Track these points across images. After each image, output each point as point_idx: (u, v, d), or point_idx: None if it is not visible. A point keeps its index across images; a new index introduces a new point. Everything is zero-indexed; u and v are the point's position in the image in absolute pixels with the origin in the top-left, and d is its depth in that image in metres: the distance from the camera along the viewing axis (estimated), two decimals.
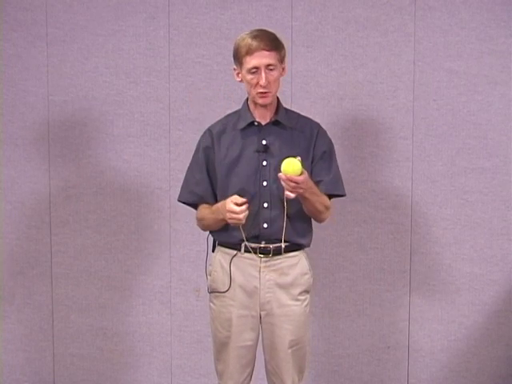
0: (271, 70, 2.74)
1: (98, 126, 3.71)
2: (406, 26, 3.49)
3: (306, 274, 2.89)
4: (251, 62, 2.72)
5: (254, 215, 2.78)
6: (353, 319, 3.65)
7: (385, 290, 3.62)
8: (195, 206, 2.93)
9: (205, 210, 2.87)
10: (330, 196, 2.88)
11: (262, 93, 2.75)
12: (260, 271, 2.83)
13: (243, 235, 2.78)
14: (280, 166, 2.64)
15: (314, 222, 2.92)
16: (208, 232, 2.95)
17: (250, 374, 2.94)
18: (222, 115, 2.94)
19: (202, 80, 3.63)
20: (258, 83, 2.73)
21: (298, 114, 2.92)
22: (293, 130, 2.85)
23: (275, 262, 2.83)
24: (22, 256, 3.80)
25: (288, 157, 2.65)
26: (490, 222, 3.52)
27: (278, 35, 2.81)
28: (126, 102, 3.68)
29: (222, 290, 2.86)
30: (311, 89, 3.57)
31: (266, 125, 2.83)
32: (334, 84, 3.55)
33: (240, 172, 2.79)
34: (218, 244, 2.91)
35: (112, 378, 3.82)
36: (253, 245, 2.81)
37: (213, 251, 2.94)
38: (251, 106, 2.84)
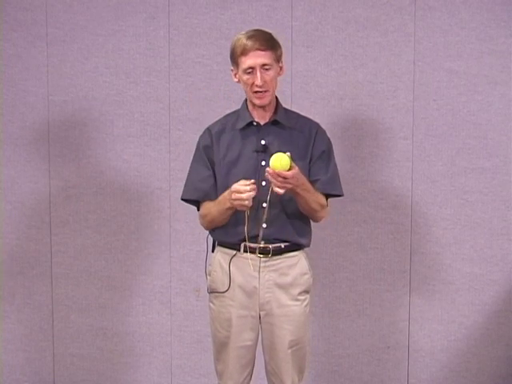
0: (267, 69, 2.73)
1: (98, 126, 3.71)
2: (406, 26, 3.49)
3: (305, 274, 2.89)
4: (246, 62, 2.72)
5: (253, 215, 2.78)
6: (353, 319, 3.65)
7: (385, 290, 3.62)
8: (198, 205, 2.91)
9: (208, 204, 2.84)
10: (327, 196, 2.88)
11: (258, 92, 2.74)
12: (259, 271, 2.83)
13: (245, 231, 2.76)
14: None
15: (313, 222, 2.92)
16: (208, 232, 2.95)
17: (250, 374, 2.94)
18: (222, 115, 2.94)
19: (202, 80, 3.63)
20: (253, 83, 2.73)
21: (297, 114, 2.92)
22: (292, 130, 2.85)
23: (274, 262, 2.83)
24: (22, 256, 3.80)
25: (277, 152, 2.64)
26: (490, 222, 3.52)
27: (276, 35, 2.81)
28: (125, 101, 3.68)
29: (222, 290, 2.85)
30: (311, 89, 3.57)
31: (264, 125, 2.83)
32: (334, 84, 3.55)
33: (239, 172, 2.78)
34: (218, 244, 2.91)
35: (112, 378, 3.82)
36: (252, 245, 2.81)
37: (212, 251, 2.94)
38: (250, 106, 2.84)
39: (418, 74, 3.50)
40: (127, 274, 3.76)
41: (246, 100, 2.87)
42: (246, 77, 2.75)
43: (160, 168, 3.69)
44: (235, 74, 2.80)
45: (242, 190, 2.66)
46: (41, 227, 3.78)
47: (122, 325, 3.79)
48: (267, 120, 2.83)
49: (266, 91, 2.75)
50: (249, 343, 2.87)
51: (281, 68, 2.82)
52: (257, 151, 2.80)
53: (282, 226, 2.81)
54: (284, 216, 2.82)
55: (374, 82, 3.53)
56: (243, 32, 2.78)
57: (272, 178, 2.62)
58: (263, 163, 2.78)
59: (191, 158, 2.93)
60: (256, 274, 2.82)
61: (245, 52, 2.72)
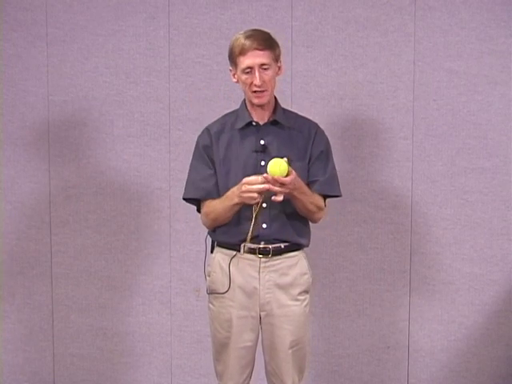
0: (265, 69, 2.73)
1: (98, 126, 3.71)
2: (406, 26, 3.49)
3: (305, 274, 2.89)
4: (245, 61, 2.72)
5: (252, 218, 2.78)
6: (353, 319, 3.65)
7: (385, 290, 3.62)
8: (199, 205, 2.91)
9: (212, 201, 2.83)
10: (325, 196, 2.88)
11: (256, 92, 2.74)
12: (259, 272, 2.82)
13: (251, 228, 2.76)
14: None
15: (311, 222, 2.92)
16: (206, 233, 2.95)
17: (250, 375, 2.94)
18: (221, 115, 2.94)
19: (202, 80, 3.63)
20: (252, 83, 2.73)
21: (296, 114, 2.92)
22: (291, 130, 2.84)
23: (274, 262, 2.83)
24: (22, 256, 3.80)
25: (274, 157, 2.64)
26: (490, 222, 3.52)
27: (275, 34, 2.80)
28: (125, 101, 3.68)
29: (222, 291, 2.85)
30: (311, 89, 3.57)
31: (264, 125, 2.83)
32: (334, 84, 3.55)
33: (238, 172, 2.78)
34: (217, 245, 2.90)
35: (112, 378, 3.82)
36: (252, 245, 2.81)
37: (211, 252, 2.94)
38: (249, 106, 2.84)
39: (418, 73, 3.50)
40: (127, 274, 3.76)
41: (244, 100, 2.87)
42: (244, 76, 2.75)
43: (160, 168, 3.69)
44: (234, 74, 2.80)
45: (254, 181, 2.65)
46: (41, 227, 3.78)
47: (121, 325, 3.79)
48: (266, 120, 2.83)
49: (264, 91, 2.75)
50: (249, 344, 2.87)
51: (279, 68, 2.82)
52: (256, 151, 2.80)
53: (282, 226, 2.81)
54: (284, 216, 2.81)
55: (374, 82, 3.53)
56: (241, 32, 2.78)
57: (270, 185, 2.62)
58: (262, 163, 2.77)
59: (191, 157, 2.93)
60: (256, 275, 2.82)
61: (243, 52, 2.72)
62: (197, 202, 2.91)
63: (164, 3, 3.62)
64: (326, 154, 2.88)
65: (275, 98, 2.86)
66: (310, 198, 2.78)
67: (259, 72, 2.72)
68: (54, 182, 3.75)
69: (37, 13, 3.69)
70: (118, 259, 3.76)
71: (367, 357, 3.67)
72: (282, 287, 2.83)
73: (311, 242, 2.94)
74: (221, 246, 2.88)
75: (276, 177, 2.60)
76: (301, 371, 2.92)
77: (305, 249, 2.92)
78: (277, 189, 2.62)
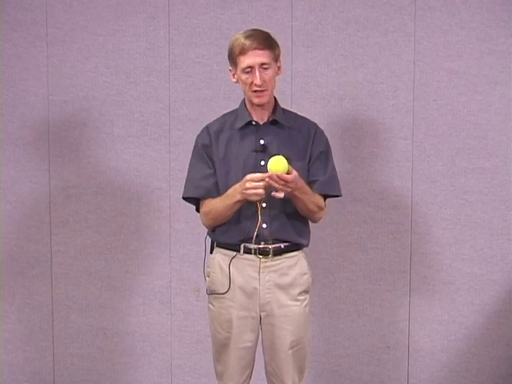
0: (265, 68, 2.73)
1: (98, 126, 3.71)
2: (406, 26, 3.49)
3: (305, 274, 2.89)
4: (245, 61, 2.72)
5: (252, 215, 2.78)
6: (353, 319, 3.65)
7: (385, 290, 3.62)
8: (198, 204, 2.90)
9: (212, 201, 2.82)
10: (326, 196, 2.88)
11: (257, 91, 2.74)
12: (259, 272, 2.82)
13: (258, 221, 2.75)
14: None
15: (311, 222, 2.92)
16: (206, 233, 2.95)
17: (250, 376, 2.94)
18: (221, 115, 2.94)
19: (202, 80, 3.63)
20: (252, 82, 2.73)
21: (296, 114, 2.92)
22: (290, 130, 2.84)
23: (274, 262, 2.82)
24: (22, 256, 3.80)
25: (274, 155, 2.64)
26: (490, 222, 3.52)
27: (275, 34, 2.81)
28: (125, 101, 3.68)
29: (222, 292, 2.85)
30: (311, 89, 3.57)
31: (263, 124, 2.83)
32: (334, 84, 3.55)
33: (238, 171, 2.78)
34: (217, 245, 2.90)
35: (112, 378, 3.82)
36: (252, 246, 2.81)
37: (211, 253, 2.93)
38: (248, 106, 2.84)
39: (418, 73, 3.50)
40: (127, 273, 3.76)
41: (244, 100, 2.87)
42: (244, 76, 2.75)
43: (160, 168, 3.69)
44: (233, 74, 2.80)
45: (259, 178, 2.64)
46: (41, 227, 3.78)
47: (122, 325, 3.79)
48: (266, 120, 2.83)
49: (264, 90, 2.75)
50: (249, 344, 2.87)
51: (279, 67, 2.82)
52: (256, 151, 2.80)
53: (282, 226, 2.81)
54: (284, 216, 2.81)
55: (374, 82, 3.53)
56: (241, 32, 2.78)
57: (273, 182, 2.62)
58: (262, 163, 2.77)
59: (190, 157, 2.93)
60: (256, 275, 2.82)
61: (243, 51, 2.72)
62: (196, 202, 2.91)
63: (164, 3, 3.62)
64: (326, 153, 2.88)
65: (275, 97, 2.86)
66: (311, 198, 2.78)
67: (259, 71, 2.72)
68: (53, 181, 3.75)
69: (37, 13, 3.68)
70: (118, 259, 3.76)
71: (367, 357, 3.67)
72: (282, 287, 2.83)
73: (311, 242, 2.94)
74: (220, 246, 2.88)
75: (279, 174, 2.60)
76: (301, 371, 2.92)
77: (304, 249, 2.92)
78: (280, 187, 2.62)
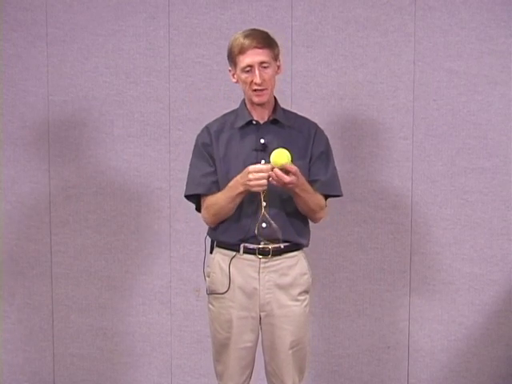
0: (265, 67, 2.73)
1: (98, 126, 3.71)
2: (406, 26, 3.49)
3: (305, 274, 2.89)
4: (244, 60, 2.72)
5: (252, 214, 2.78)
6: (353, 319, 3.65)
7: (385, 290, 3.62)
8: (198, 203, 2.90)
9: (213, 196, 2.81)
10: (327, 196, 2.88)
11: (257, 90, 2.74)
12: (259, 272, 2.82)
13: (262, 212, 2.74)
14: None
15: (311, 222, 2.92)
16: (206, 233, 2.95)
17: (250, 376, 2.94)
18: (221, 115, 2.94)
19: (202, 80, 3.63)
20: (252, 81, 2.73)
21: (295, 114, 2.92)
22: (291, 129, 2.85)
23: (274, 262, 2.82)
24: (22, 256, 3.80)
25: (276, 148, 2.64)
26: (490, 222, 3.52)
27: (274, 34, 2.81)
28: (125, 101, 3.68)
29: (221, 292, 2.85)
30: (311, 89, 3.57)
31: (264, 123, 2.83)
32: (334, 84, 3.55)
33: (238, 170, 2.77)
34: (217, 245, 2.90)
35: (112, 378, 3.82)
36: (251, 246, 2.81)
37: (211, 253, 2.93)
38: (248, 105, 2.84)
39: (418, 73, 3.50)
40: (127, 274, 3.76)
41: (244, 99, 2.87)
42: (244, 75, 2.75)
43: (160, 168, 3.69)
44: (233, 74, 2.80)
45: (263, 169, 2.64)
46: (41, 227, 3.78)
47: (122, 325, 3.79)
48: (266, 119, 2.83)
49: (264, 89, 2.75)
50: (249, 345, 2.87)
51: (278, 67, 2.82)
52: (256, 150, 2.80)
53: (282, 225, 2.81)
54: (284, 216, 2.81)
55: (374, 82, 3.53)
56: (240, 32, 2.78)
57: (277, 178, 2.62)
58: (262, 162, 2.77)
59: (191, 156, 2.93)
60: (256, 275, 2.82)
61: (243, 51, 2.72)
62: (197, 201, 2.90)
63: (164, 3, 3.62)
64: (327, 153, 2.88)
65: (275, 97, 2.86)
66: (313, 197, 2.78)
67: (259, 70, 2.72)
68: (53, 181, 3.75)
69: (37, 13, 3.69)
70: (118, 259, 3.76)
71: (367, 357, 3.67)
72: (282, 287, 2.83)
73: (311, 242, 2.94)
74: (220, 246, 2.88)
75: (283, 163, 2.60)
76: (301, 371, 2.92)
77: (304, 249, 2.92)
78: (286, 177, 2.61)
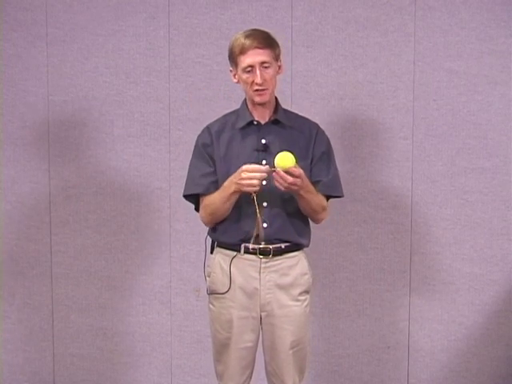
0: (266, 67, 2.73)
1: (98, 126, 3.71)
2: (406, 26, 3.49)
3: (305, 274, 2.89)
4: (245, 60, 2.72)
5: (253, 214, 2.78)
6: (353, 319, 3.65)
7: (385, 290, 3.62)
8: (197, 203, 2.90)
9: (210, 196, 2.81)
10: (328, 197, 2.88)
11: (258, 90, 2.74)
12: (260, 272, 2.82)
13: (258, 220, 2.75)
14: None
15: (311, 222, 2.92)
16: (206, 233, 2.95)
17: (250, 376, 2.94)
18: (222, 115, 2.94)
19: (202, 80, 3.63)
20: (253, 81, 2.73)
21: (296, 114, 2.92)
22: (292, 130, 2.84)
23: (275, 262, 2.82)
24: (22, 256, 3.80)
25: (280, 151, 2.64)
26: (490, 222, 3.52)
27: (275, 34, 2.81)
28: (125, 101, 3.68)
29: (222, 292, 2.85)
30: (311, 89, 3.57)
31: (265, 124, 2.83)
32: (334, 84, 3.55)
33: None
34: (217, 245, 2.90)
35: (112, 378, 3.82)
36: (252, 246, 2.80)
37: (211, 252, 2.94)
38: (250, 106, 2.84)
39: (418, 73, 3.50)
40: (127, 274, 3.76)
41: (245, 100, 2.87)
42: (245, 76, 2.75)
43: (160, 168, 3.69)
44: (234, 75, 2.80)
45: (256, 169, 2.64)
46: (41, 227, 3.78)
47: (122, 325, 3.79)
48: (267, 119, 2.83)
49: (265, 89, 2.75)
50: (249, 344, 2.87)
51: (279, 67, 2.82)
52: (257, 150, 2.80)
53: (283, 226, 2.81)
54: (284, 216, 2.81)
55: (374, 82, 3.53)
56: (241, 32, 2.78)
57: (280, 178, 2.61)
58: (264, 162, 2.77)
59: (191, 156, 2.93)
60: (256, 275, 2.82)
61: (243, 51, 2.72)
62: (195, 201, 2.90)
63: (164, 3, 3.62)
64: (328, 154, 2.88)
65: (276, 97, 2.86)
66: (316, 198, 2.78)
67: (260, 70, 2.72)
68: (53, 181, 3.75)
69: (37, 13, 3.68)
70: (118, 259, 3.76)
71: (367, 357, 3.67)
72: (283, 287, 2.83)
73: (311, 242, 2.94)
74: (221, 246, 2.88)
75: (287, 167, 2.59)
76: (301, 371, 2.92)
77: (305, 249, 2.92)
78: (289, 178, 2.61)
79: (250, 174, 2.65)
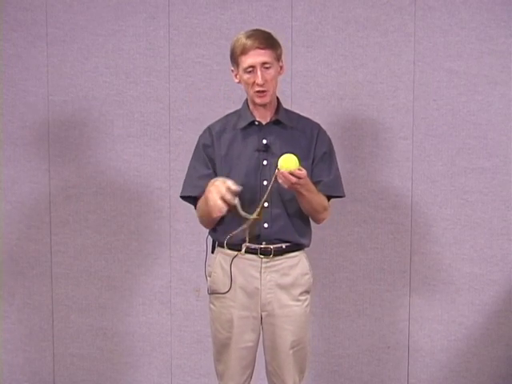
0: (267, 68, 2.73)
1: (98, 126, 3.71)
2: (406, 26, 3.49)
3: (306, 274, 2.89)
4: (247, 61, 2.72)
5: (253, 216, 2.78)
6: (353, 319, 3.65)
7: (385, 290, 3.62)
8: (196, 203, 2.91)
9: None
10: (330, 197, 2.88)
11: (259, 91, 2.74)
12: (261, 272, 2.82)
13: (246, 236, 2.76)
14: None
15: (312, 222, 2.92)
16: (207, 233, 2.95)
17: (250, 375, 2.94)
18: (222, 115, 2.94)
19: (202, 80, 3.63)
20: (254, 82, 2.73)
21: (298, 114, 2.92)
22: (293, 130, 2.84)
23: (276, 262, 2.82)
24: (22, 256, 3.80)
25: (284, 153, 2.64)
26: (490, 222, 3.52)
27: (276, 34, 2.81)
28: (125, 101, 3.68)
29: (223, 291, 2.85)
30: (311, 89, 3.57)
31: (266, 124, 2.83)
32: (334, 84, 3.55)
33: (240, 171, 2.78)
34: (218, 245, 2.90)
35: (112, 378, 3.82)
36: (253, 245, 2.81)
37: (212, 252, 2.94)
38: (251, 106, 2.84)
39: (418, 73, 3.50)
40: (127, 274, 3.76)
41: (246, 100, 2.87)
42: (246, 76, 2.74)
43: (160, 168, 3.69)
44: (236, 75, 2.80)
45: (225, 195, 2.63)
46: (41, 227, 3.78)
47: (122, 325, 3.79)
48: (268, 119, 2.83)
49: (266, 90, 2.75)
50: (250, 344, 2.87)
51: (281, 67, 2.81)
52: (258, 150, 2.80)
53: (284, 226, 2.81)
54: (285, 216, 2.81)
55: (374, 82, 3.53)
56: (242, 32, 2.78)
57: (284, 179, 2.61)
58: (265, 162, 2.77)
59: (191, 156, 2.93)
60: (257, 275, 2.82)
61: (245, 51, 2.72)
62: (194, 201, 2.90)
63: (164, 3, 3.62)
64: (330, 154, 2.87)
65: (277, 98, 2.86)
66: (317, 197, 2.78)
67: (261, 71, 2.72)
68: (53, 182, 3.75)
69: (37, 13, 3.68)
70: (118, 259, 3.76)
71: (367, 357, 3.67)
72: (284, 287, 2.83)
73: (311, 242, 2.94)
74: (222, 246, 2.88)
75: (292, 170, 2.59)
76: (301, 371, 2.92)
77: (305, 249, 2.92)
78: (293, 178, 2.60)
79: (219, 193, 2.62)
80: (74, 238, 3.76)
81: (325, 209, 2.84)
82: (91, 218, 3.75)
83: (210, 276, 2.91)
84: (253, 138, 2.81)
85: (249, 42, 2.71)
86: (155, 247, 3.73)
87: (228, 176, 2.77)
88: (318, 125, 2.91)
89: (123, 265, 3.76)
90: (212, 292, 2.90)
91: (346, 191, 2.97)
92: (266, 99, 2.77)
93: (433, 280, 3.58)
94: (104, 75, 3.68)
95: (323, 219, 2.88)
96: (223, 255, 2.86)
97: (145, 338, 3.78)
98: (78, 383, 3.85)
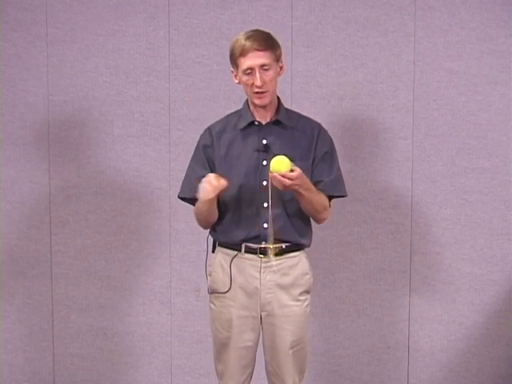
0: (266, 69, 2.73)
1: (98, 126, 3.71)
2: (406, 26, 3.49)
3: (306, 274, 2.89)
4: (245, 63, 2.71)
5: (254, 215, 2.78)
6: (353, 319, 3.65)
7: (385, 290, 3.62)
8: (194, 203, 2.91)
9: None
10: (331, 197, 2.88)
11: (258, 93, 2.74)
12: (261, 272, 2.82)
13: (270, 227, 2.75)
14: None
15: (313, 222, 2.92)
16: (208, 232, 2.95)
17: (250, 375, 2.94)
18: (222, 115, 2.94)
19: (202, 80, 3.63)
20: (253, 84, 2.73)
21: (299, 114, 2.91)
22: (294, 130, 2.84)
23: (276, 262, 2.82)
24: (22, 256, 3.80)
25: (276, 155, 2.64)
26: (490, 222, 3.52)
27: (276, 35, 2.80)
28: (125, 101, 3.68)
29: (223, 291, 2.85)
30: (311, 89, 3.57)
31: (266, 124, 2.82)
32: (334, 84, 3.55)
33: (240, 171, 2.78)
34: (218, 245, 2.90)
35: (112, 378, 3.82)
36: (253, 245, 2.81)
37: (213, 252, 2.94)
38: (251, 106, 2.83)
39: (418, 73, 3.50)
40: (127, 274, 3.76)
41: (247, 100, 2.86)
42: (245, 77, 2.74)
43: (160, 168, 3.69)
44: (235, 76, 2.80)
45: (212, 182, 2.65)
46: (41, 227, 3.78)
47: (122, 325, 3.79)
48: (269, 120, 2.83)
49: (265, 91, 2.75)
50: (249, 344, 2.87)
51: (281, 68, 2.81)
52: (258, 151, 2.80)
53: (284, 226, 2.81)
54: (285, 216, 2.81)
55: (374, 82, 3.53)
56: (242, 33, 2.77)
57: (277, 182, 2.61)
58: (264, 163, 2.77)
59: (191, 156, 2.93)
60: (257, 275, 2.82)
61: (243, 53, 2.71)
62: (193, 202, 2.90)
63: (164, 3, 3.62)
64: (331, 154, 2.86)
65: (278, 98, 2.86)
66: (317, 197, 2.77)
67: (260, 73, 2.71)
68: (54, 182, 3.75)
69: (37, 13, 3.68)
70: (118, 259, 3.76)
71: (367, 357, 3.67)
72: (283, 287, 2.83)
73: (311, 242, 2.94)
74: (222, 245, 2.88)
75: (283, 172, 2.59)
76: (301, 371, 2.92)
77: (306, 249, 2.92)
78: (286, 181, 2.60)
79: (206, 179, 2.66)
80: (74, 238, 3.76)
81: (325, 208, 2.83)
82: (91, 218, 3.75)
83: (210, 275, 2.91)
84: (253, 138, 2.81)
85: (247, 44, 2.70)
86: (155, 247, 3.73)
87: (228, 176, 2.77)
88: (319, 124, 2.90)
89: (123, 265, 3.76)
90: (212, 291, 2.90)
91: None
92: (265, 100, 2.76)
93: (433, 280, 3.58)
94: (104, 75, 3.68)
95: (324, 219, 2.88)
96: (223, 255, 2.86)
97: (145, 338, 3.78)
98: (78, 383, 3.85)
